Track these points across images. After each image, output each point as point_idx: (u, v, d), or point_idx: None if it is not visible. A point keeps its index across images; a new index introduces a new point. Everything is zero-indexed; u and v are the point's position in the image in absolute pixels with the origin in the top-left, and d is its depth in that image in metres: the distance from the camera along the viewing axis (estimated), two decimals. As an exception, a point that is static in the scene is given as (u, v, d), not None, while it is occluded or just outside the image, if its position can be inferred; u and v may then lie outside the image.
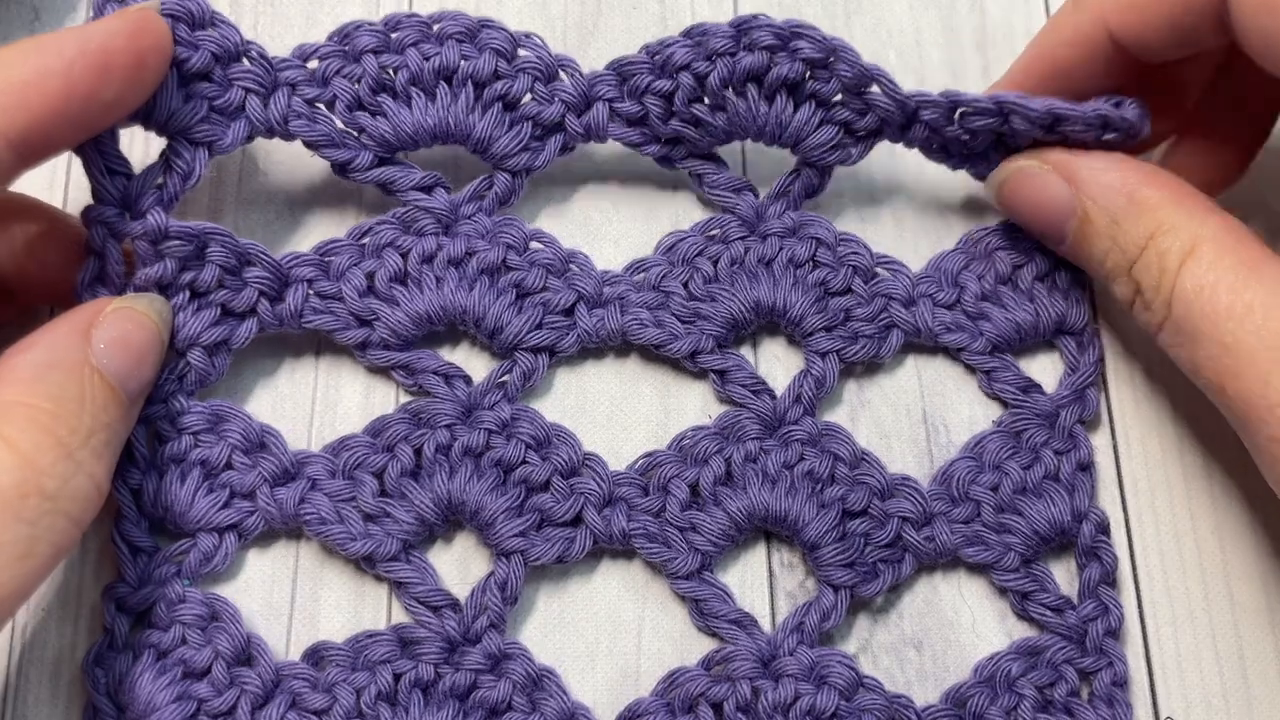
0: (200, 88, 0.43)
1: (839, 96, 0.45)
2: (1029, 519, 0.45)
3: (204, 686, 0.42)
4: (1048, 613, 0.44)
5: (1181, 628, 0.45)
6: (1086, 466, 0.46)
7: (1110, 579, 0.45)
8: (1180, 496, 0.47)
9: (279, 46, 0.46)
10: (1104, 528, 0.45)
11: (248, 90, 0.44)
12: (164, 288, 0.43)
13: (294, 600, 0.45)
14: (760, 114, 0.45)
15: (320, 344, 0.48)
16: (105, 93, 0.39)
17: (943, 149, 0.47)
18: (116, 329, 0.41)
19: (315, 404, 0.47)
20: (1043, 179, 0.44)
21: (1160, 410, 0.48)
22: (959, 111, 0.45)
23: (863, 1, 0.53)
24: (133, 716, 0.42)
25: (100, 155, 0.42)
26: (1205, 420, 0.48)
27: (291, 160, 0.49)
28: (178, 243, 0.43)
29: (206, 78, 0.43)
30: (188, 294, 0.44)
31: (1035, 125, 0.44)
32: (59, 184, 0.49)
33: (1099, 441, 0.48)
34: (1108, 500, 0.47)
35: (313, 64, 0.45)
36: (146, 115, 0.42)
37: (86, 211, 0.43)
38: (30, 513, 0.36)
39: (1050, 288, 0.47)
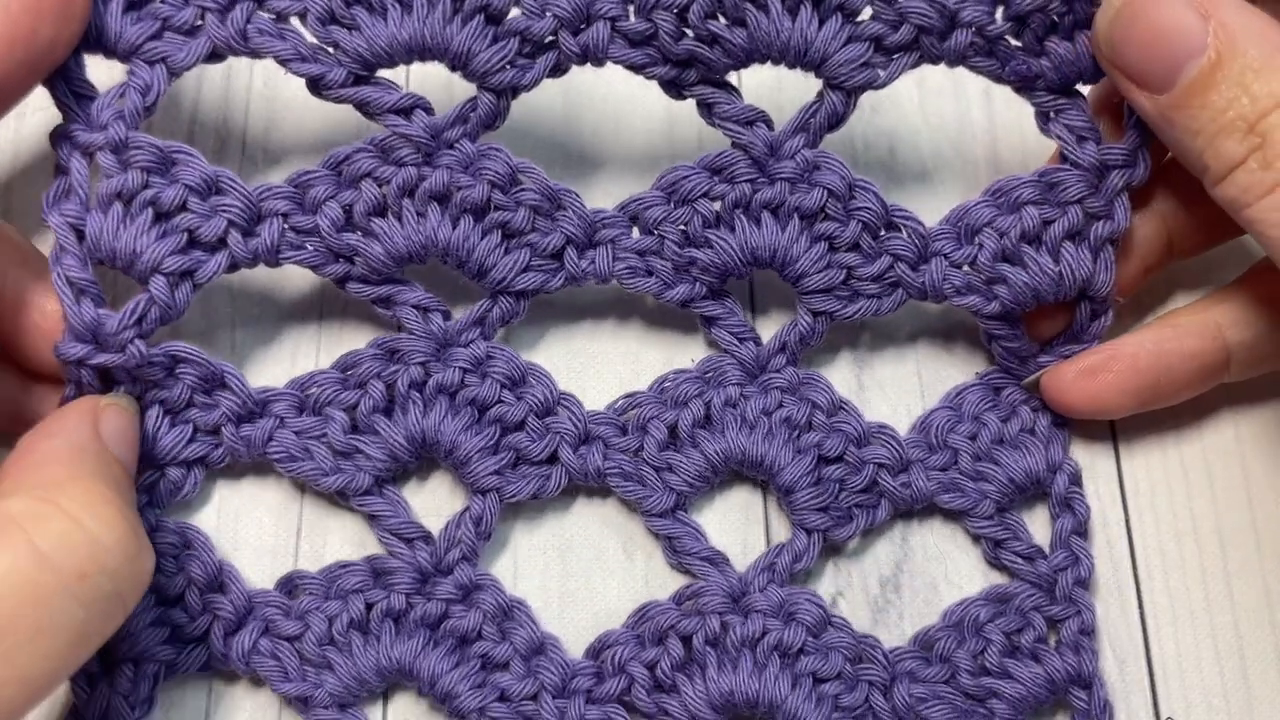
0: (152, 8, 0.42)
1: (869, 10, 0.43)
2: (1005, 467, 0.45)
3: (178, 613, 0.42)
4: (1019, 560, 0.44)
5: (1182, 628, 0.45)
6: (1062, 424, 0.46)
7: (1083, 530, 0.45)
8: (1180, 496, 0.47)
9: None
10: (1077, 479, 0.45)
11: (204, 8, 0.43)
12: (127, 201, 0.42)
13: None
14: (783, 29, 0.42)
15: (320, 348, 0.48)
16: (43, 30, 0.39)
17: (989, 54, 0.43)
18: (113, 422, 0.40)
19: None
20: (1172, 5, 0.39)
21: (1161, 410, 0.47)
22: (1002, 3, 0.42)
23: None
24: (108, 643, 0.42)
25: (65, 81, 0.42)
26: (1206, 420, 0.48)
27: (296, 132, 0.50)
28: (139, 151, 0.42)
29: None
30: (151, 214, 0.42)
31: None
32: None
33: (1099, 442, 0.48)
34: (1108, 500, 0.47)
35: None
36: (99, 43, 0.42)
37: (54, 131, 0.42)
38: (88, 594, 0.34)
39: (1079, 247, 0.44)
